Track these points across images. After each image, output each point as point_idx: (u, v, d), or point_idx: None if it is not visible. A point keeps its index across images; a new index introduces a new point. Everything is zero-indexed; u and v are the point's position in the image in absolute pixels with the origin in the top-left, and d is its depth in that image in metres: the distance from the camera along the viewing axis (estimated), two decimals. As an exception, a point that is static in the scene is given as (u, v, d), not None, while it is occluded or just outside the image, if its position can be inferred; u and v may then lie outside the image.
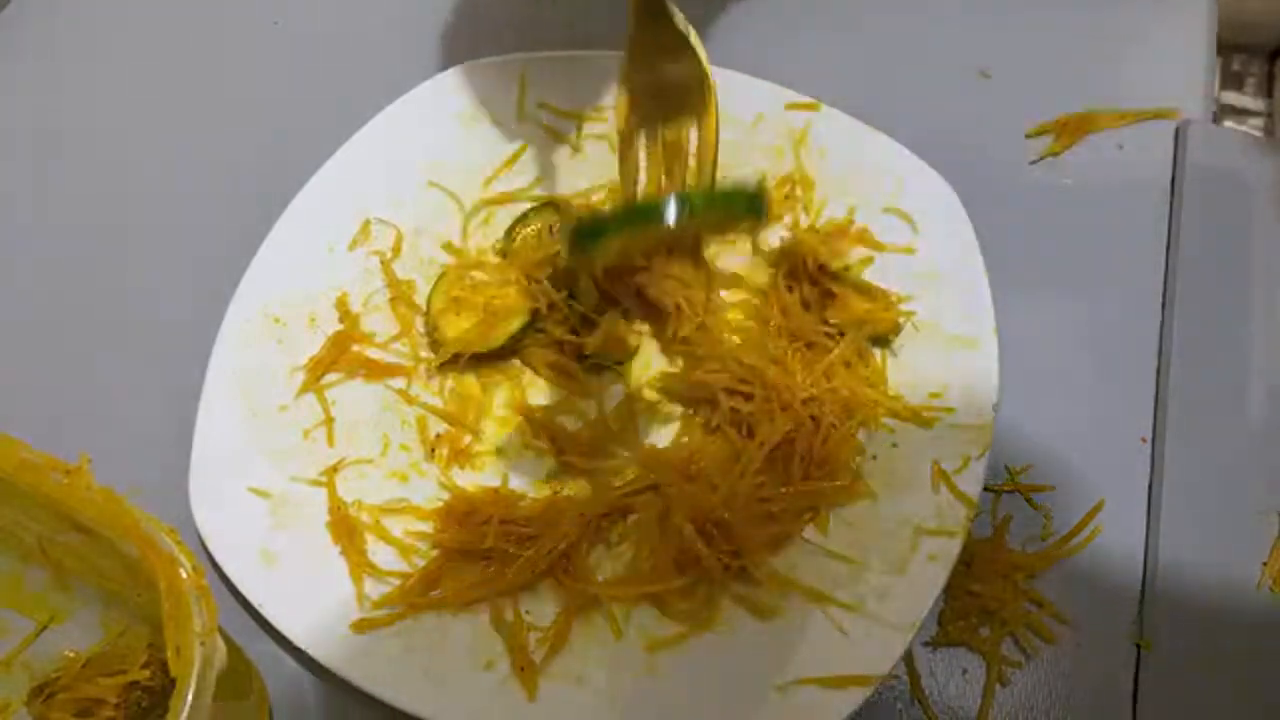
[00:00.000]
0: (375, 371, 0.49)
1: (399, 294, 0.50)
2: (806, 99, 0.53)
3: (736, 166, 0.53)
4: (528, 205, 0.52)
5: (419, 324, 0.50)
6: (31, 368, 0.51)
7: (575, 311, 0.48)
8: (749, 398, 0.45)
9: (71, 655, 0.42)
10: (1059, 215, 0.53)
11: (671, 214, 0.39)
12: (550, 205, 0.52)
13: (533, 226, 0.51)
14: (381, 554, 0.44)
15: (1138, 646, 0.43)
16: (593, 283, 0.49)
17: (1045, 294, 0.51)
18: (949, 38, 0.58)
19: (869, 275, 0.49)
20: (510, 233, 0.51)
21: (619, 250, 0.45)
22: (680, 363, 0.49)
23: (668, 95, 0.46)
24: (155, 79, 0.59)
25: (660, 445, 0.47)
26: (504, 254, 0.51)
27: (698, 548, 0.43)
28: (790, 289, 0.49)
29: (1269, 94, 0.62)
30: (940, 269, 0.49)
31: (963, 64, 0.58)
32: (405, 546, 0.45)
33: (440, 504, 0.46)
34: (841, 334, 0.47)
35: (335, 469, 0.46)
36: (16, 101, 0.59)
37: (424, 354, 0.49)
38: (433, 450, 0.47)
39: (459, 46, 0.55)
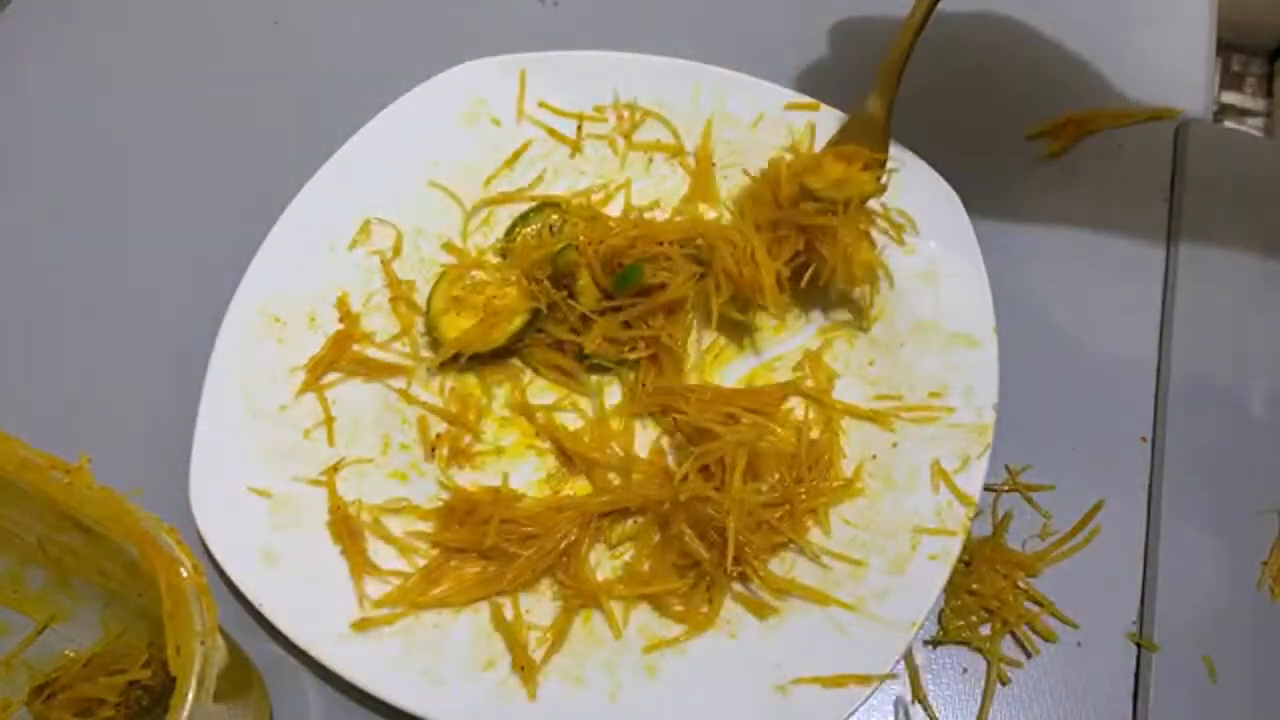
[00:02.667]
0: (375, 371, 0.49)
1: (399, 294, 0.50)
2: (806, 99, 0.53)
3: (737, 166, 0.53)
4: (528, 205, 0.52)
5: (419, 324, 0.50)
6: (31, 368, 0.51)
7: (575, 311, 0.48)
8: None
9: (72, 655, 0.42)
10: (1059, 215, 0.53)
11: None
12: (551, 205, 0.52)
13: (533, 226, 0.51)
14: (382, 554, 0.44)
15: (1138, 646, 0.43)
16: (592, 282, 0.49)
17: (1045, 294, 0.51)
18: (949, 38, 0.58)
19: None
20: (511, 232, 0.51)
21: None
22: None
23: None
24: (155, 79, 0.59)
25: (662, 444, 0.47)
26: (504, 254, 0.51)
27: (698, 552, 0.43)
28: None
29: (1269, 94, 0.62)
30: (940, 269, 0.49)
31: (963, 64, 0.58)
32: (405, 546, 0.45)
33: (440, 504, 0.46)
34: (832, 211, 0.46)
35: (335, 469, 0.46)
36: (16, 101, 0.59)
37: (424, 354, 0.49)
38: (433, 450, 0.47)
39: (459, 46, 0.55)
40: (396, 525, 0.45)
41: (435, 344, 0.49)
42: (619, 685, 0.41)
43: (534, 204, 0.52)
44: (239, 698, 0.38)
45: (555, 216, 0.51)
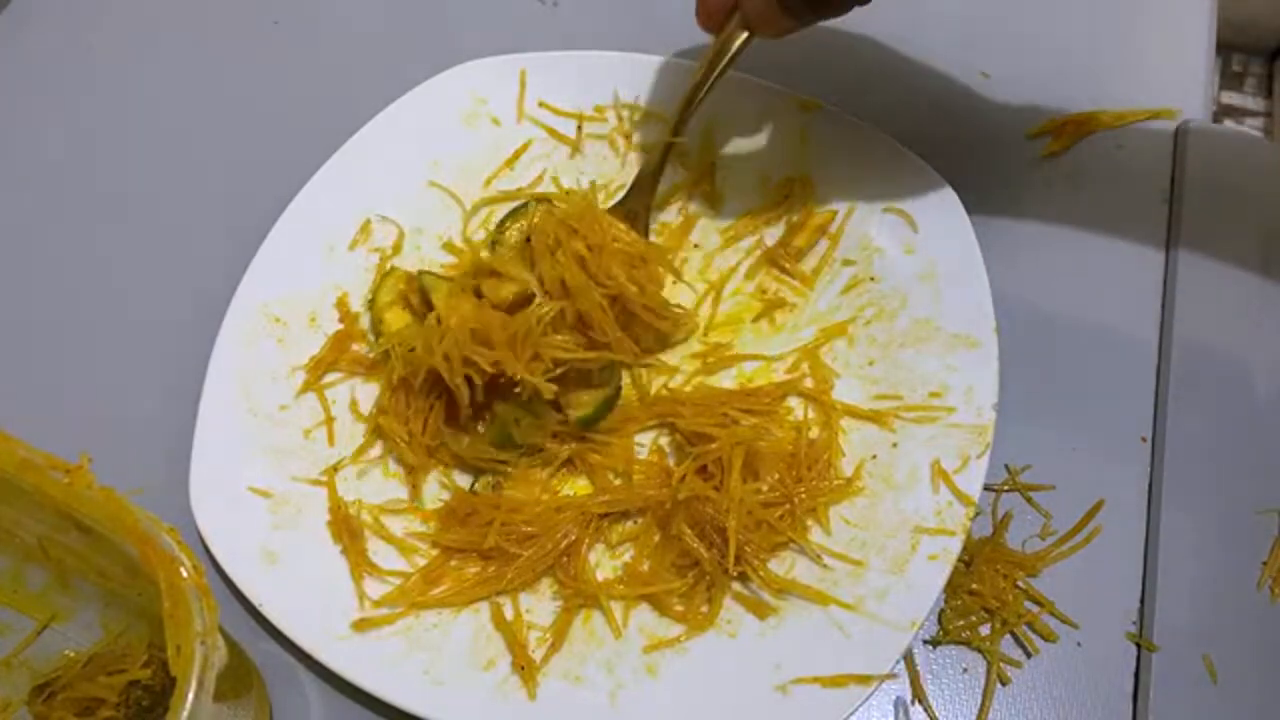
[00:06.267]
0: (376, 371, 0.49)
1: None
2: (806, 99, 0.53)
3: (737, 165, 0.53)
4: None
5: (365, 319, 0.50)
6: (31, 368, 0.51)
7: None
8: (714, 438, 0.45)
9: (72, 654, 0.42)
10: (1059, 215, 0.53)
11: None
12: (544, 201, 0.51)
13: (523, 222, 0.51)
14: (382, 553, 0.44)
15: (1138, 646, 0.43)
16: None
17: (1045, 294, 0.51)
18: (949, 38, 0.58)
19: (869, 276, 0.50)
20: (502, 226, 0.51)
21: None
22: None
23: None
24: (155, 79, 0.59)
25: (662, 442, 0.47)
26: (495, 244, 0.51)
27: (698, 551, 0.43)
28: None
29: (1269, 94, 0.62)
30: (940, 269, 0.49)
31: (963, 64, 0.58)
32: (406, 546, 0.45)
33: (441, 504, 0.46)
34: None
35: (336, 468, 0.46)
36: (17, 101, 0.59)
37: (367, 351, 0.49)
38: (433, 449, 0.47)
39: (459, 46, 0.55)
40: (396, 525, 0.45)
41: (380, 337, 0.49)
42: (619, 685, 0.41)
43: (525, 200, 0.52)
44: (239, 698, 0.38)
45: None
